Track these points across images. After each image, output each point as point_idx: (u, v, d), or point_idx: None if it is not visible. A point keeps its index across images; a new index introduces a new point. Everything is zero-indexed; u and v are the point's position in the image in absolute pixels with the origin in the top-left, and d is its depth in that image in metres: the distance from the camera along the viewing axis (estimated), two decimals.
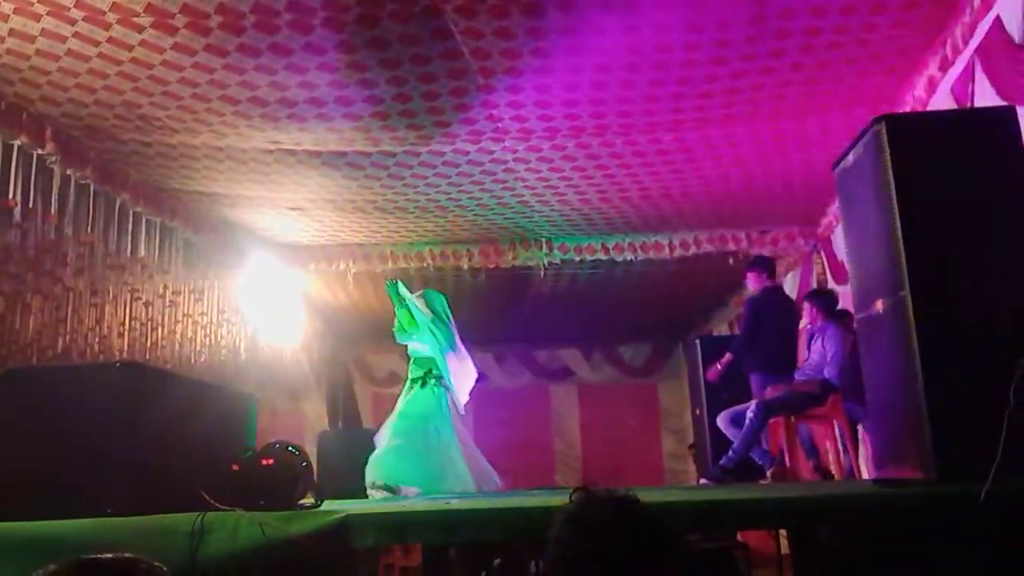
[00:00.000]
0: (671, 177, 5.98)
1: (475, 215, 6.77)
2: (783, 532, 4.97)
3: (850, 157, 3.08)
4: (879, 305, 2.97)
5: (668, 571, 1.52)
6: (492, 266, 7.57)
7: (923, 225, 2.76)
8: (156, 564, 1.74)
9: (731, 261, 7.39)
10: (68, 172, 5.02)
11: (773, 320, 5.79)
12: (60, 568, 1.60)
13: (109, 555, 1.71)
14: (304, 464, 3.75)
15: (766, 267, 6.12)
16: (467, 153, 5.49)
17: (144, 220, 5.90)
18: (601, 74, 4.52)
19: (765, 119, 5.14)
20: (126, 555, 1.73)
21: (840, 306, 5.63)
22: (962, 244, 2.75)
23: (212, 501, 2.85)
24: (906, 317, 2.77)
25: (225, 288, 7.14)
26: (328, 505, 3.68)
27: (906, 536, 2.73)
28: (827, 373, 5.13)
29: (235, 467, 3.33)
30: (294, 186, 6.03)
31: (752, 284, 6.09)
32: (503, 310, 9.65)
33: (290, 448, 3.67)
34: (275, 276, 7.53)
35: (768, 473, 5.26)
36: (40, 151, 4.75)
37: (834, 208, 6.76)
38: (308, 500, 3.86)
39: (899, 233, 2.78)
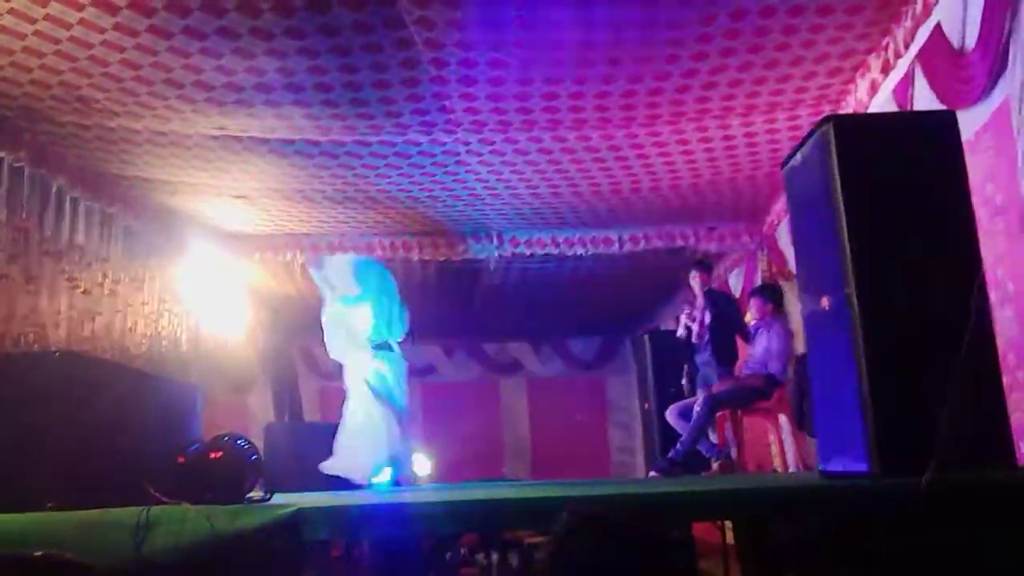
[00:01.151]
0: (622, 173, 6.03)
1: (426, 207, 6.73)
2: (728, 524, 5.10)
3: (798, 156, 3.14)
4: (824, 302, 3.03)
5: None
6: (442, 259, 7.54)
7: (868, 224, 2.82)
8: (88, 564, 1.68)
9: (688, 254, 7.47)
10: (0, 155, 4.83)
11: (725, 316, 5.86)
12: None
13: (38, 553, 1.65)
14: (254, 457, 3.68)
15: (710, 269, 6.23)
16: (418, 144, 5.45)
17: (82, 205, 5.71)
18: (554, 69, 4.53)
19: (714, 117, 5.21)
20: (54, 553, 1.67)
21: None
22: (905, 243, 2.82)
23: (157, 495, 2.79)
24: (851, 314, 2.84)
25: (167, 277, 6.96)
26: (277, 499, 3.62)
27: (851, 527, 2.81)
28: (771, 368, 5.24)
29: (181, 460, 3.26)
30: (239, 174, 5.90)
31: (700, 284, 6.12)
32: (453, 303, 9.63)
33: (239, 441, 3.60)
34: (219, 265, 7.37)
35: (715, 465, 5.36)
36: None
37: (778, 206, 6.91)
38: (257, 494, 3.80)
39: (844, 231, 2.84)
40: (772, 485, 3.37)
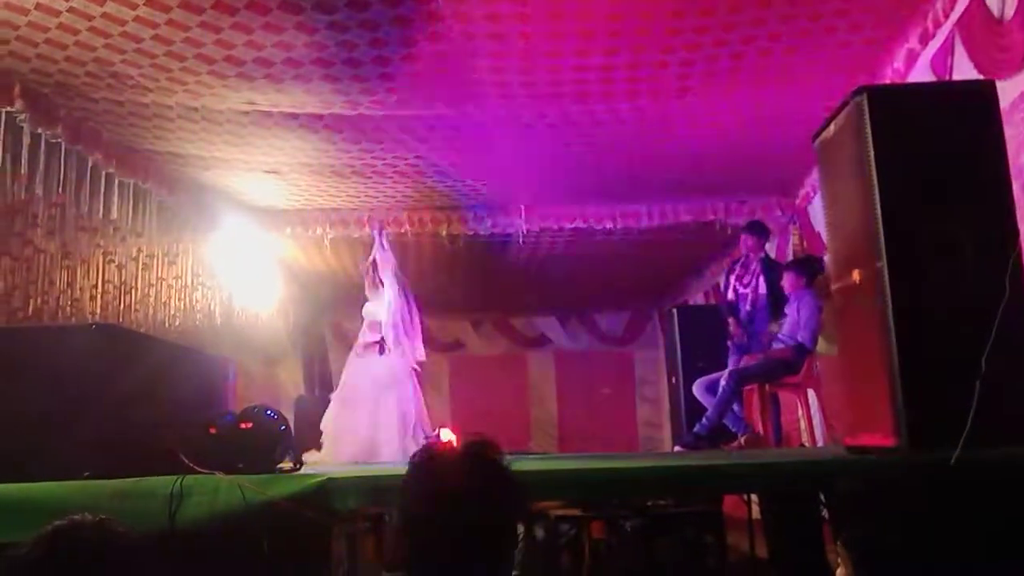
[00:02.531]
0: (651, 145, 5.96)
1: (454, 181, 6.72)
2: (754, 498, 5.09)
3: (831, 128, 3.09)
4: (856, 275, 3.00)
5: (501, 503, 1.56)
6: (470, 232, 7.53)
7: (901, 197, 2.78)
8: (128, 529, 1.74)
9: (717, 228, 7.39)
10: (38, 131, 4.90)
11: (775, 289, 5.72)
12: (35, 544, 1.60)
13: (85, 518, 1.71)
14: (283, 428, 3.75)
15: (764, 233, 6.05)
16: (446, 117, 5.43)
17: (117, 181, 5.79)
18: (584, 41, 4.49)
19: (745, 89, 5.14)
20: (101, 518, 1.73)
21: None
22: (938, 216, 2.78)
23: (191, 464, 2.84)
24: (882, 287, 2.80)
25: (200, 252, 7.06)
26: (307, 469, 3.68)
27: (880, 501, 2.79)
28: (801, 337, 5.21)
29: (213, 430, 3.32)
30: (270, 149, 5.94)
31: (754, 247, 5.94)
32: (480, 277, 9.65)
33: (269, 412, 3.66)
34: (250, 241, 7.45)
35: (742, 440, 5.34)
36: (8, 108, 4.63)
37: (811, 179, 6.80)
38: (287, 464, 3.87)
39: (877, 204, 2.80)
40: (798, 459, 3.37)
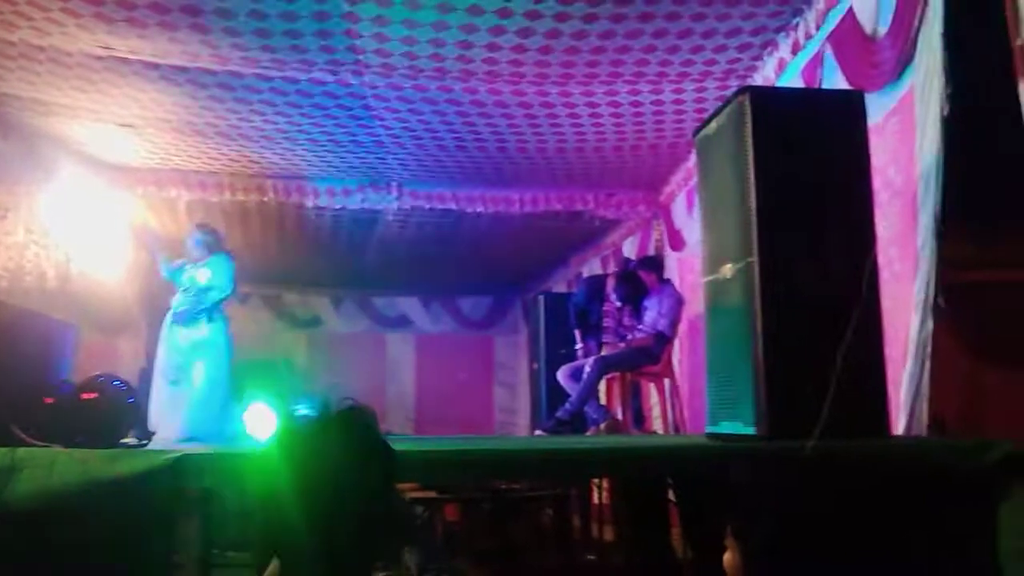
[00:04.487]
0: (530, 131, 5.97)
1: (325, 151, 6.47)
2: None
3: (712, 125, 3.18)
4: (727, 269, 3.10)
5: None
6: (339, 206, 7.30)
7: (775, 195, 2.90)
8: None
9: (586, 218, 7.54)
10: None
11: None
12: None
13: None
14: (131, 400, 3.48)
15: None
16: (323, 84, 5.21)
17: None
18: (471, 17, 4.41)
19: (626, 82, 5.23)
20: None
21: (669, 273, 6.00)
22: (808, 217, 2.92)
23: (22, 436, 2.59)
24: (751, 282, 2.92)
25: (35, 206, 6.44)
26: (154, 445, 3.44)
27: (734, 488, 2.91)
28: (661, 327, 5.40)
29: (49, 400, 3.05)
30: (125, 100, 5.49)
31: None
32: (345, 253, 9.40)
33: (116, 382, 3.40)
34: (95, 199, 6.88)
35: (602, 426, 5.47)
36: None
37: (677, 177, 7.06)
38: (132, 439, 3.60)
39: (752, 201, 2.91)
40: (663, 444, 3.47)
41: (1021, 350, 3.49)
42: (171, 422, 4.74)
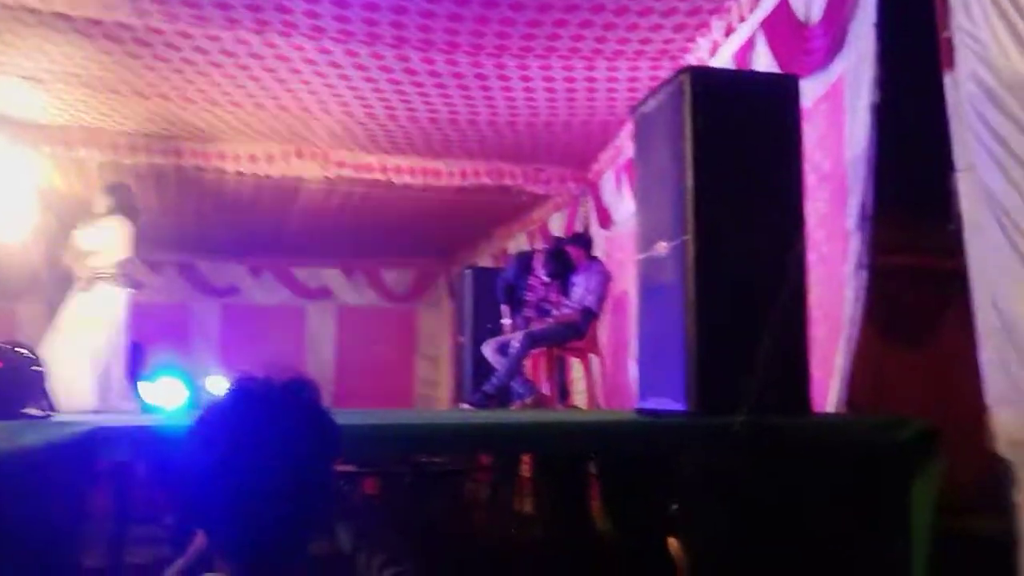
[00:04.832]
0: (462, 102, 5.89)
1: (248, 115, 6.23)
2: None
3: (652, 102, 3.19)
4: (661, 247, 3.13)
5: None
6: (261, 173, 7.05)
7: (711, 174, 2.93)
8: None
9: (514, 193, 7.51)
10: None
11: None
12: None
13: None
14: (35, 369, 3.31)
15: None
16: (249, 44, 5.00)
17: None
18: None
19: (560, 57, 5.20)
20: None
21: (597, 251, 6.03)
22: (741, 197, 2.96)
23: None
24: (685, 259, 2.95)
25: None
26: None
27: (662, 464, 2.96)
28: (588, 303, 5.45)
29: None
30: (32, 52, 5.15)
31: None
32: (265, 222, 9.13)
33: (19, 349, 3.22)
34: None
35: (528, 401, 5.49)
36: None
37: (606, 155, 7.09)
38: (35, 410, 3.42)
39: (689, 180, 2.93)
40: (597, 420, 3.50)
41: (923, 335, 3.65)
42: (77, 392, 4.51)
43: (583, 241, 6.08)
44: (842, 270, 3.35)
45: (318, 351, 11.99)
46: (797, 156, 3.01)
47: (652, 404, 3.25)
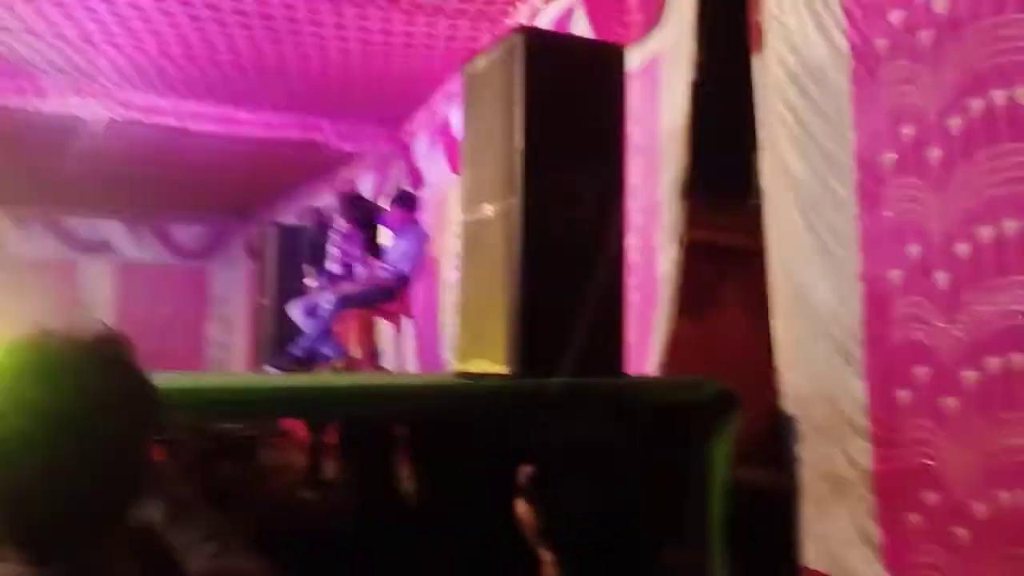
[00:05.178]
0: (269, 44, 5.53)
1: (19, 45, 5.49)
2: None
3: (483, 61, 3.13)
4: (488, 209, 3.11)
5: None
6: (31, 109, 6.26)
7: (540, 138, 2.93)
8: None
9: (323, 150, 7.21)
10: None
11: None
12: None
13: None
14: None
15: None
16: None
17: None
18: None
19: (378, 8, 5.02)
20: None
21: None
22: (568, 161, 2.99)
23: None
24: (512, 222, 2.95)
25: None
26: None
27: (480, 426, 2.97)
28: (403, 266, 5.36)
29: None
30: None
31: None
32: (35, 165, 8.15)
33: None
34: None
35: (337, 363, 5.34)
36: None
37: (420, 115, 6.99)
38: None
39: (518, 143, 2.92)
40: (417, 383, 3.43)
41: (709, 308, 3.94)
42: None
43: (407, 199, 5.85)
44: (652, 241, 3.51)
45: (94, 310, 10.99)
46: (621, 125, 3.09)
47: (472, 366, 3.24)
